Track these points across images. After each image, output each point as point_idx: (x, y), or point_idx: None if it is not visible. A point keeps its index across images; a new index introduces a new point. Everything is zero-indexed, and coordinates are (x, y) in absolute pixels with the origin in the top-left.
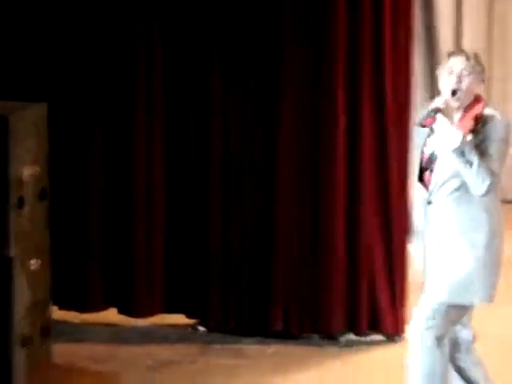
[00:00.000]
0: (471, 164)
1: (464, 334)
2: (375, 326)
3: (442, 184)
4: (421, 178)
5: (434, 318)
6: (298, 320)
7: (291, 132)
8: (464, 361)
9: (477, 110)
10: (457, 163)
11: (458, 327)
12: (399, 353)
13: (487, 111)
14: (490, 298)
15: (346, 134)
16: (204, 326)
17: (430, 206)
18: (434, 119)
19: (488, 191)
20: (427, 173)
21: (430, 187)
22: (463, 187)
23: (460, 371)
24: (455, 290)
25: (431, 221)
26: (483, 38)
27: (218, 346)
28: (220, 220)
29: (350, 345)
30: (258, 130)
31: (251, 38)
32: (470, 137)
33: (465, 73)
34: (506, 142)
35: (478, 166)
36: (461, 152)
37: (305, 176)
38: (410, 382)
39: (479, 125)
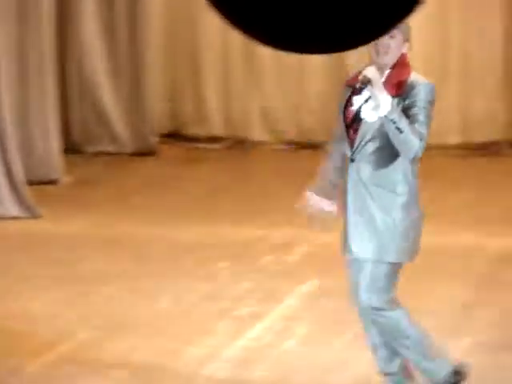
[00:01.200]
0: (401, 130)
1: None
2: None
3: (366, 143)
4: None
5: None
6: None
7: None
8: None
9: (403, 75)
10: (387, 129)
11: None
12: None
13: (412, 76)
14: (409, 258)
15: None
16: None
17: (353, 163)
18: (357, 78)
19: (417, 155)
20: (351, 131)
21: (354, 145)
22: (384, 148)
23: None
24: (387, 248)
25: (353, 178)
26: None
27: None
28: None
29: None
30: None
31: None
32: (395, 101)
33: (391, 34)
34: (432, 105)
35: (408, 132)
36: (391, 119)
37: None
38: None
39: (406, 89)
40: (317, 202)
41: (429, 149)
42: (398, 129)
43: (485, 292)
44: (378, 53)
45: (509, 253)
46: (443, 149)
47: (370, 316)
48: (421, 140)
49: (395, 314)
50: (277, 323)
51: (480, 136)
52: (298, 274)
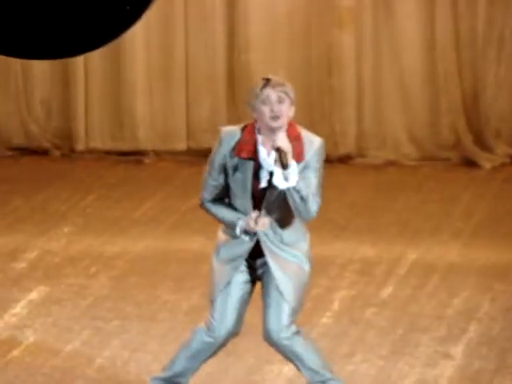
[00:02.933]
0: (303, 199)
1: None
2: None
3: (271, 210)
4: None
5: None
6: None
7: None
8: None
9: (300, 141)
10: (290, 196)
11: None
12: None
13: (303, 136)
14: None
15: None
16: None
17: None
18: (250, 150)
19: (313, 218)
20: (256, 201)
21: (262, 211)
22: (287, 211)
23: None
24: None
25: (262, 239)
26: None
27: None
28: None
29: None
30: None
31: None
32: (296, 166)
33: (281, 99)
34: (323, 162)
35: (309, 199)
36: (298, 189)
37: None
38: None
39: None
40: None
41: (156, 154)
42: (301, 198)
43: None
44: (273, 118)
45: None
46: (170, 154)
47: (292, 343)
48: (319, 202)
49: None
50: (3, 332)
51: (206, 142)
52: (26, 282)
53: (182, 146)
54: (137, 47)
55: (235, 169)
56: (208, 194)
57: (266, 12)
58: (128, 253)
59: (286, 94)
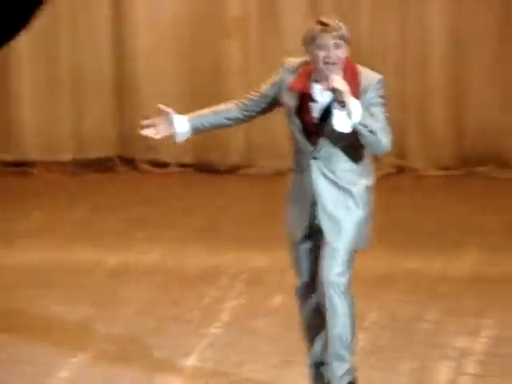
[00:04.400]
0: (373, 132)
1: None
2: None
3: (331, 144)
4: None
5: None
6: None
7: None
8: None
9: (356, 78)
10: (359, 132)
11: None
12: None
13: (362, 72)
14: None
15: None
16: None
17: (315, 161)
18: (305, 85)
19: (388, 150)
20: (313, 134)
21: (318, 146)
22: (349, 145)
23: None
24: (358, 236)
25: (317, 175)
26: None
27: None
28: None
29: None
30: None
31: None
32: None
33: (338, 45)
34: (384, 98)
35: (379, 132)
36: (364, 123)
37: None
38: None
39: (362, 90)
40: (170, 121)
41: (43, 165)
42: (370, 131)
43: (104, 307)
44: (328, 64)
45: (126, 268)
46: (57, 165)
47: (337, 297)
48: (390, 134)
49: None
50: None
51: (92, 153)
52: None
53: (67, 156)
54: (23, 58)
55: (286, 101)
56: (245, 99)
57: (153, 22)
58: (18, 264)
59: (343, 38)
